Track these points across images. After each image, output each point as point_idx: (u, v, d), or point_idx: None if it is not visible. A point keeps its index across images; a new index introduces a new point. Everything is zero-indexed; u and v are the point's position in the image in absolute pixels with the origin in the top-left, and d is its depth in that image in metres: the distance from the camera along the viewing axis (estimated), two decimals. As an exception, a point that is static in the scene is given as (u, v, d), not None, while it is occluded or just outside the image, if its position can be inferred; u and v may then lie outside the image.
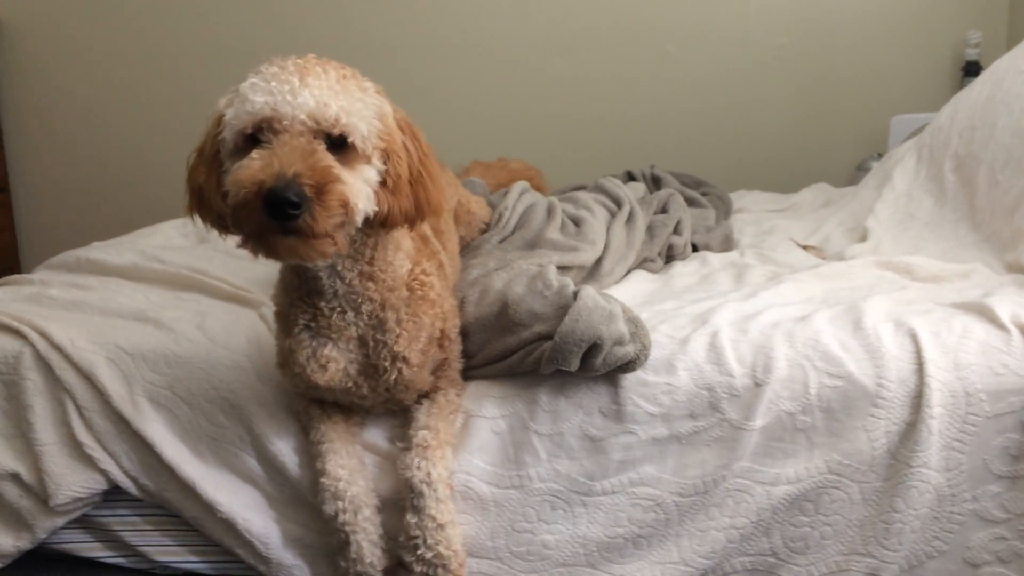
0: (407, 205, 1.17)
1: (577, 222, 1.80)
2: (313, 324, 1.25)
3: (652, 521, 1.30)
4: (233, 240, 1.13)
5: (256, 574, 1.35)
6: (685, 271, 1.80)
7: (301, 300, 1.24)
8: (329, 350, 1.25)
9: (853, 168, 2.96)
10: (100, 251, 1.88)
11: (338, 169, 1.07)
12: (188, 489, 1.34)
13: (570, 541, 1.30)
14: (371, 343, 1.25)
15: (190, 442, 1.37)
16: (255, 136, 1.08)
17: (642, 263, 1.85)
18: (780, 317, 1.38)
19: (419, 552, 1.24)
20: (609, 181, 2.05)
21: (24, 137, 3.26)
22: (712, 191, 2.33)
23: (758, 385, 1.28)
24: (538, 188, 2.22)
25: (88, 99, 3.22)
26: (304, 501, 1.34)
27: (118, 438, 1.37)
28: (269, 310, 1.37)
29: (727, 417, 1.29)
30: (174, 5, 3.13)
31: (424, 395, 1.35)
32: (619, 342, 1.26)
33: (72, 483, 1.36)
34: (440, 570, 1.25)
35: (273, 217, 1.03)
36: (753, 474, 1.28)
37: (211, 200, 1.15)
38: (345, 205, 1.07)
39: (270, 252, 1.08)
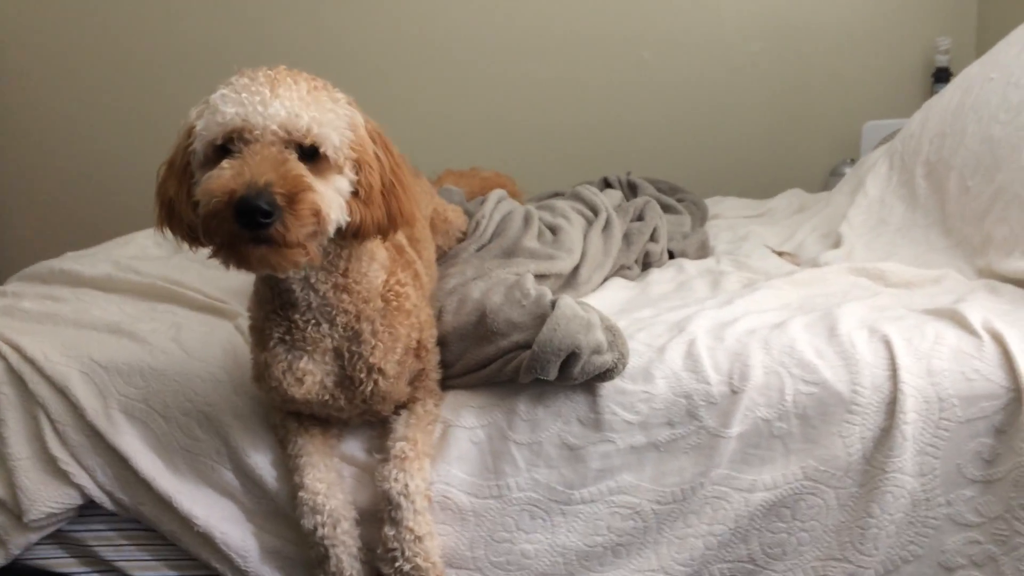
0: (379, 215, 1.17)
1: (554, 230, 1.80)
2: (288, 337, 1.24)
3: (631, 529, 1.30)
4: (206, 251, 1.13)
5: (235, 588, 1.35)
6: (662, 278, 1.81)
7: (275, 313, 1.24)
8: (304, 363, 1.24)
9: (827, 174, 2.99)
10: (74, 262, 1.85)
11: (310, 178, 1.07)
12: (164, 503, 1.33)
13: (549, 550, 1.30)
14: (347, 355, 1.25)
15: (166, 455, 1.35)
16: (226, 147, 1.08)
17: (619, 271, 1.85)
18: (756, 324, 1.39)
19: (397, 564, 1.24)
20: (586, 189, 2.06)
21: (-5, 146, 3.23)
22: (688, 197, 2.35)
23: (735, 392, 1.29)
24: (512, 196, 2.22)
25: (61, 108, 3.19)
26: (282, 514, 1.33)
27: (92, 452, 1.36)
28: (245, 321, 1.36)
29: (704, 424, 1.29)
30: (150, 16, 3.11)
31: (402, 405, 1.34)
32: (597, 351, 1.27)
33: (46, 498, 1.35)
34: None
35: (244, 226, 1.02)
36: (731, 481, 1.29)
37: (182, 212, 1.14)
38: (317, 214, 1.07)
39: (241, 262, 1.08)
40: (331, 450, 1.34)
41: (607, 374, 1.29)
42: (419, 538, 1.24)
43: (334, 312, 1.23)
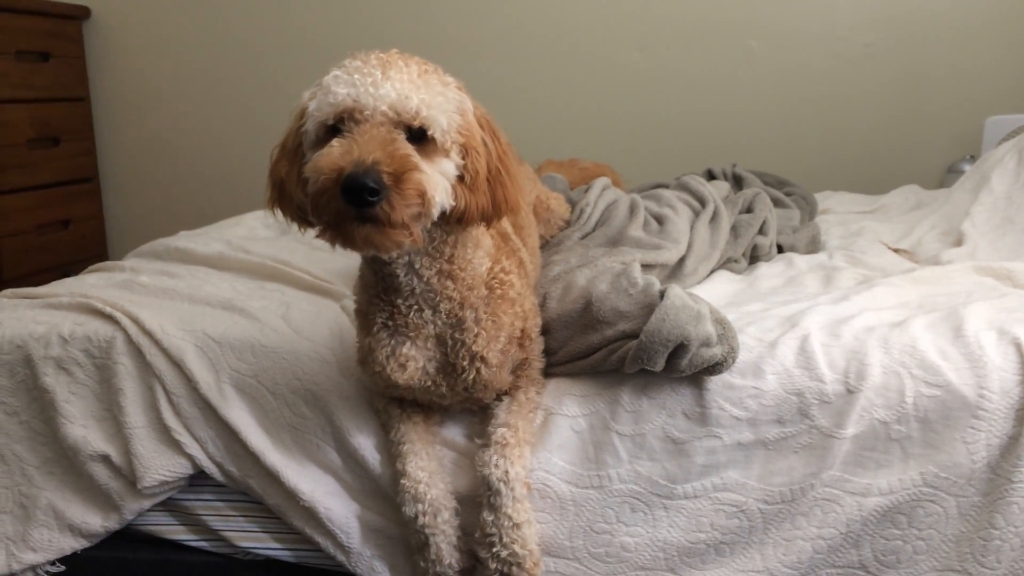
0: (484, 202, 1.16)
1: (660, 220, 1.77)
2: (391, 322, 1.24)
3: (735, 528, 1.27)
4: (313, 233, 1.14)
5: (335, 564, 1.36)
6: (770, 272, 1.76)
7: (378, 297, 1.24)
8: (407, 349, 1.24)
9: (943, 170, 2.86)
10: (188, 240, 1.92)
11: (416, 158, 1.07)
12: (271, 476, 1.36)
13: (650, 544, 1.28)
14: (449, 342, 1.25)
15: (273, 431, 1.38)
16: (337, 127, 1.09)
17: (725, 263, 1.81)
18: (874, 322, 1.34)
19: (494, 550, 1.23)
20: (692, 179, 2.01)
21: (112, 127, 3.35)
22: (796, 191, 2.27)
23: (851, 392, 1.24)
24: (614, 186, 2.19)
25: (175, 91, 3.30)
26: (384, 494, 1.34)
27: (205, 424, 1.39)
28: (351, 303, 1.37)
29: (817, 424, 1.25)
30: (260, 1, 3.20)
31: (504, 393, 1.34)
32: (706, 343, 1.23)
33: (160, 467, 1.39)
34: (515, 569, 1.24)
35: (351, 203, 1.03)
36: (843, 484, 1.24)
37: (292, 192, 1.16)
38: (422, 195, 1.07)
39: (347, 241, 1.09)
40: (433, 438, 1.34)
41: (715, 368, 1.25)
42: (517, 525, 1.23)
43: (437, 298, 1.23)
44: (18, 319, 1.50)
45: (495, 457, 1.25)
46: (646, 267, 1.58)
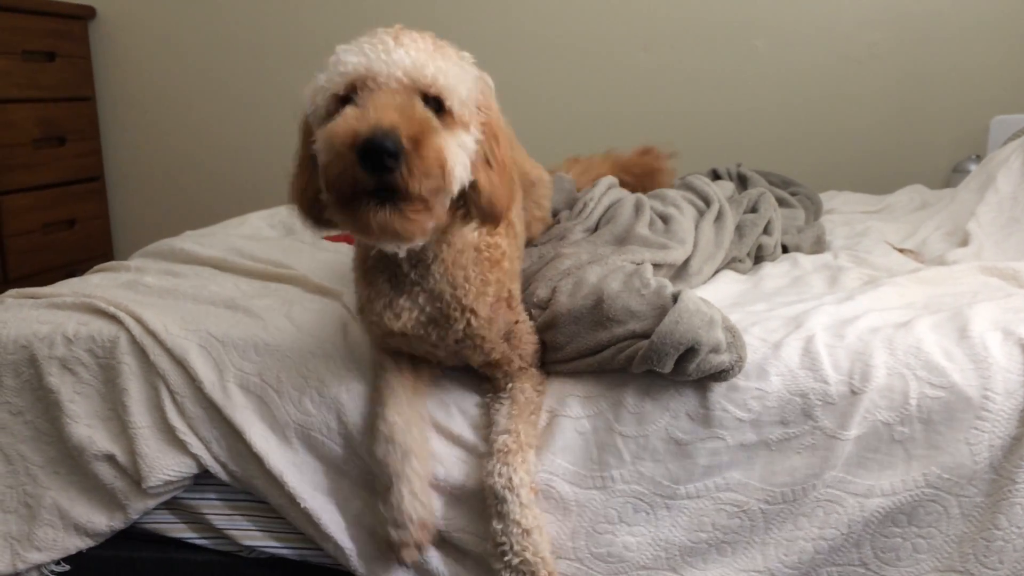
0: (509, 192, 1.14)
1: (665, 219, 1.76)
2: (392, 278, 1.24)
3: (737, 527, 1.27)
4: (320, 233, 1.13)
5: (338, 563, 1.36)
6: (775, 272, 1.76)
7: (376, 258, 1.24)
8: (403, 300, 1.24)
9: (949, 170, 2.85)
10: (192, 241, 1.92)
11: (436, 122, 1.03)
12: (274, 478, 1.35)
13: (652, 544, 1.28)
14: (442, 296, 1.24)
15: (278, 429, 1.38)
16: (348, 98, 1.04)
17: (730, 263, 1.80)
18: (879, 323, 1.33)
19: (506, 559, 1.22)
20: (697, 178, 2.00)
21: (118, 127, 3.36)
22: (801, 191, 2.26)
23: (855, 393, 1.24)
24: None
25: (181, 90, 3.31)
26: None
27: (209, 424, 1.40)
28: (351, 296, 1.37)
29: (820, 425, 1.25)
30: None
31: (495, 365, 1.32)
32: (716, 349, 1.23)
33: (164, 466, 1.39)
34: None
35: (369, 169, 0.98)
36: (845, 485, 1.24)
37: (304, 183, 1.14)
38: (443, 166, 1.02)
39: (360, 224, 1.04)
40: (419, 397, 1.33)
41: (722, 375, 1.25)
42: (527, 531, 1.22)
43: (430, 261, 1.21)
44: (23, 319, 1.50)
45: (498, 466, 1.24)
46: (654, 267, 1.57)
